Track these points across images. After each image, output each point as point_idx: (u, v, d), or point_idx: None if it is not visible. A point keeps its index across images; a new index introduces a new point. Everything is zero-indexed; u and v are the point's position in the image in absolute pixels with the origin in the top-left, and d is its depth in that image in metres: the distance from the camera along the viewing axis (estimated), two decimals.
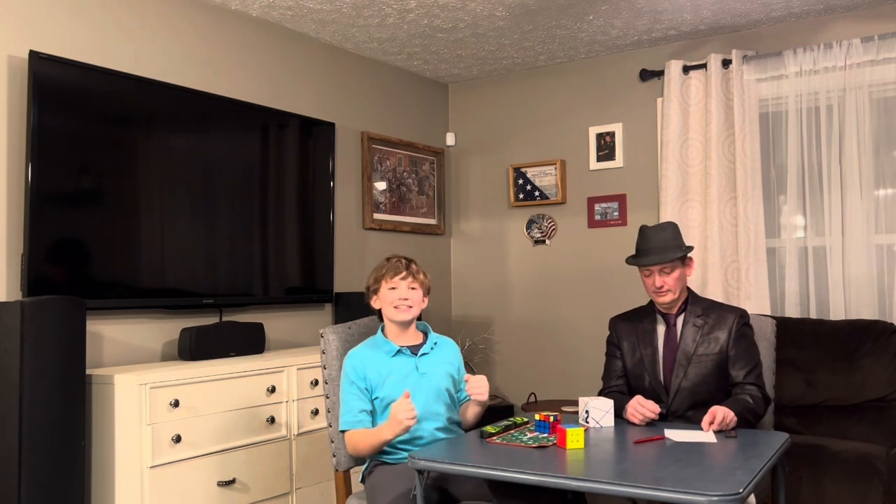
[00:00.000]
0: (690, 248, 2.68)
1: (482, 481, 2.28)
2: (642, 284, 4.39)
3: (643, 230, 2.71)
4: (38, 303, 2.55)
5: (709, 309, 2.68)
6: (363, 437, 2.39)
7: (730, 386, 2.61)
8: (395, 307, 2.45)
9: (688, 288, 2.73)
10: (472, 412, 2.53)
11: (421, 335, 2.57)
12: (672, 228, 2.69)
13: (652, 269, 2.65)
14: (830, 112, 3.88)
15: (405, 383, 2.43)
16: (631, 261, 2.69)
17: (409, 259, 2.52)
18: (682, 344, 2.64)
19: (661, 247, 2.65)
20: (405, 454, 2.41)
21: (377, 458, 2.46)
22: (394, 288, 2.45)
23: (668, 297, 2.64)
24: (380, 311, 2.54)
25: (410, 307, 2.45)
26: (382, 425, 2.33)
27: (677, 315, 2.69)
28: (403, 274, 2.46)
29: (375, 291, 2.51)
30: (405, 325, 2.50)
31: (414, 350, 2.50)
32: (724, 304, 2.72)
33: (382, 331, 2.54)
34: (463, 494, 2.32)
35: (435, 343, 2.56)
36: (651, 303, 2.76)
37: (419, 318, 2.60)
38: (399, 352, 2.47)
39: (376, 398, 2.44)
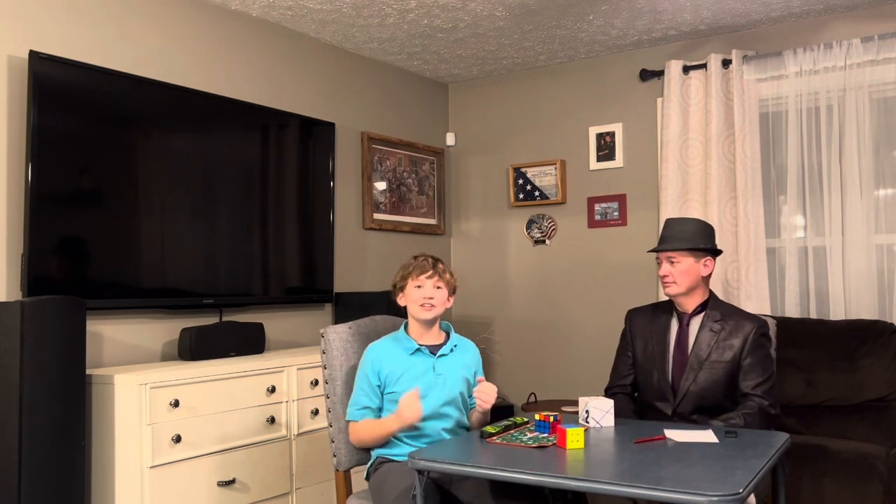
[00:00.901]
0: (712, 248, 2.64)
1: (484, 483, 2.28)
2: (642, 284, 4.43)
3: (667, 220, 2.71)
4: (38, 303, 2.55)
5: (728, 315, 2.64)
6: (368, 428, 2.43)
7: (738, 395, 2.58)
8: (419, 305, 2.46)
9: (711, 291, 2.70)
10: (475, 419, 2.55)
11: (443, 335, 2.58)
12: (696, 224, 2.66)
13: (661, 258, 2.65)
14: (830, 112, 3.88)
15: (420, 382, 2.44)
16: (651, 249, 2.80)
17: (436, 258, 2.54)
18: (696, 348, 2.60)
19: (675, 237, 2.63)
20: (410, 449, 2.42)
21: (382, 454, 2.47)
22: (419, 286, 2.47)
23: (672, 289, 2.62)
24: (405, 308, 2.55)
25: (434, 306, 2.47)
26: (390, 416, 2.38)
27: (692, 315, 2.66)
28: (430, 273, 2.48)
29: (402, 289, 2.52)
30: (428, 323, 2.51)
31: (433, 350, 2.51)
32: (745, 311, 2.68)
33: (405, 328, 2.55)
34: (463, 496, 2.32)
35: (455, 345, 2.56)
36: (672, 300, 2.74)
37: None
38: (418, 350, 2.49)
39: (391, 392, 2.45)
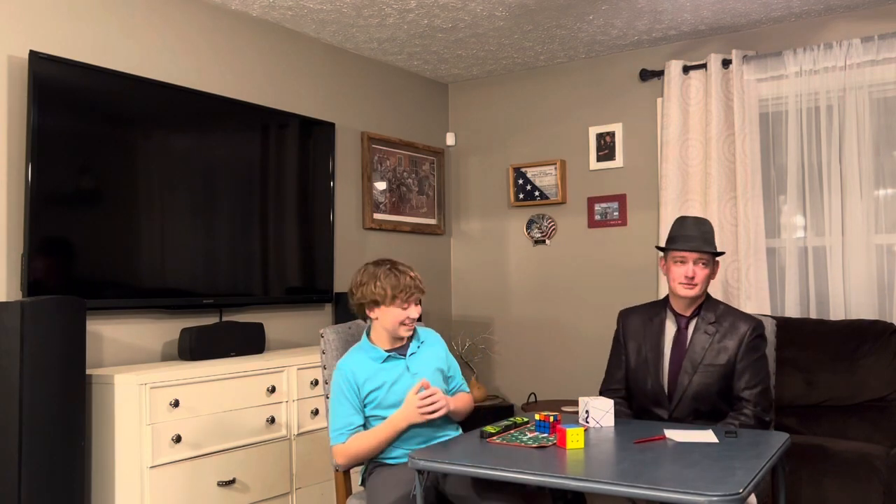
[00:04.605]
0: (722, 253, 2.63)
1: (477, 481, 2.27)
2: (642, 285, 4.43)
3: (682, 219, 2.61)
4: (38, 303, 2.55)
5: (723, 316, 2.58)
6: (364, 441, 2.36)
7: (732, 398, 2.56)
8: (404, 325, 2.43)
9: (706, 291, 2.66)
10: (454, 409, 2.49)
11: None
12: (710, 225, 2.60)
13: (687, 258, 2.54)
14: (830, 112, 3.88)
15: (399, 387, 2.42)
16: (669, 245, 2.58)
17: (413, 274, 2.45)
18: (690, 351, 2.56)
19: (701, 238, 2.55)
20: (403, 452, 2.41)
21: (377, 458, 2.45)
22: (405, 308, 2.42)
23: (694, 291, 2.53)
24: (369, 319, 2.49)
25: (415, 324, 2.46)
26: (393, 415, 2.34)
27: (691, 318, 2.60)
28: (416, 297, 2.43)
29: (378, 304, 2.42)
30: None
31: (401, 351, 2.49)
32: (740, 311, 2.61)
33: (368, 335, 2.52)
34: (448, 488, 2.32)
35: (422, 341, 2.55)
36: (666, 298, 2.67)
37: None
38: (389, 357, 2.46)
39: (374, 405, 2.42)
